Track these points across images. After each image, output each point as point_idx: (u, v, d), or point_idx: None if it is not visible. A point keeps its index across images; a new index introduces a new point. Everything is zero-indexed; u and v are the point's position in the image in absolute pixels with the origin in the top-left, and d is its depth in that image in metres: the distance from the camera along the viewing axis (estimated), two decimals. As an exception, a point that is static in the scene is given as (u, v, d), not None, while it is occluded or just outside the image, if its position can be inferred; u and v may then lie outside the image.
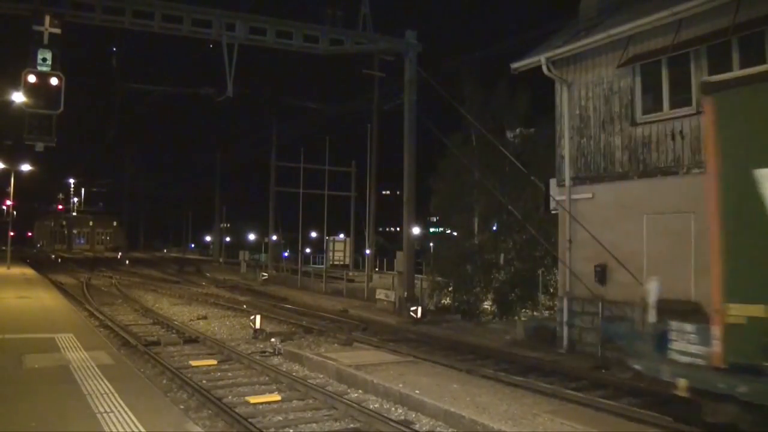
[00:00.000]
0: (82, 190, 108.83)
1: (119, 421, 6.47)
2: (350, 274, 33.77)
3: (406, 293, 20.41)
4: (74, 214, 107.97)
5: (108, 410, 6.86)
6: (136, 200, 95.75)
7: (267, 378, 10.75)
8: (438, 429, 7.89)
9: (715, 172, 6.29)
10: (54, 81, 13.07)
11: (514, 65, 14.82)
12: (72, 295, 23.73)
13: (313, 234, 50.81)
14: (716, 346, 6.11)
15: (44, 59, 13.28)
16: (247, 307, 20.96)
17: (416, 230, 24.80)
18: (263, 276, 35.72)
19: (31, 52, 13.37)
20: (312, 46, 19.18)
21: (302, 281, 33.18)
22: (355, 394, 9.61)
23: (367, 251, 32.58)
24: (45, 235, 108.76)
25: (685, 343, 6.62)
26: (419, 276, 23.03)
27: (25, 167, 39.06)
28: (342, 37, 19.72)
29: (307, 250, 45.61)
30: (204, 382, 10.21)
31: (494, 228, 20.91)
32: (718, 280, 6.23)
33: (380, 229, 50.77)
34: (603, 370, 11.47)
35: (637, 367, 7.50)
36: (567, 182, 13.99)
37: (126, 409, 6.93)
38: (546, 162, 16.46)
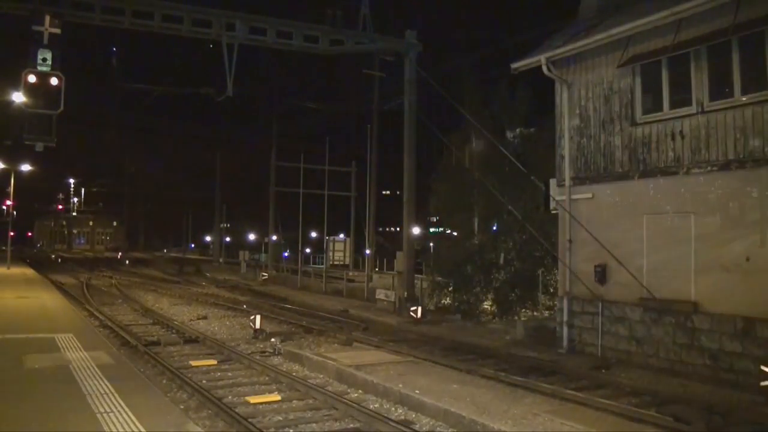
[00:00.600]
0: (82, 190, 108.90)
1: (119, 421, 6.47)
2: (350, 274, 33.75)
3: (406, 293, 20.41)
4: (74, 214, 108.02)
5: (108, 410, 6.86)
6: (136, 200, 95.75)
7: (267, 378, 10.76)
8: (438, 429, 7.89)
9: None
10: (54, 81, 13.07)
11: (514, 65, 14.81)
12: (72, 295, 23.74)
13: (313, 234, 50.76)
14: None
15: (44, 59, 13.27)
16: (247, 307, 20.96)
17: (416, 230, 24.78)
18: (263, 276, 35.72)
19: (31, 52, 13.36)
20: (312, 46, 19.18)
21: (302, 281, 33.17)
22: (355, 394, 9.62)
23: (367, 251, 32.57)
24: (45, 235, 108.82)
25: None
26: (419, 276, 23.03)
27: (25, 167, 39.07)
28: (342, 37, 19.73)
29: (307, 250, 45.55)
30: (204, 382, 10.22)
31: (494, 228, 20.91)
32: None
33: (380, 229, 50.74)
34: (603, 370, 11.48)
35: None
36: (567, 182, 13.99)
37: (126, 409, 6.94)
38: (546, 162, 16.46)
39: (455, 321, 18.94)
